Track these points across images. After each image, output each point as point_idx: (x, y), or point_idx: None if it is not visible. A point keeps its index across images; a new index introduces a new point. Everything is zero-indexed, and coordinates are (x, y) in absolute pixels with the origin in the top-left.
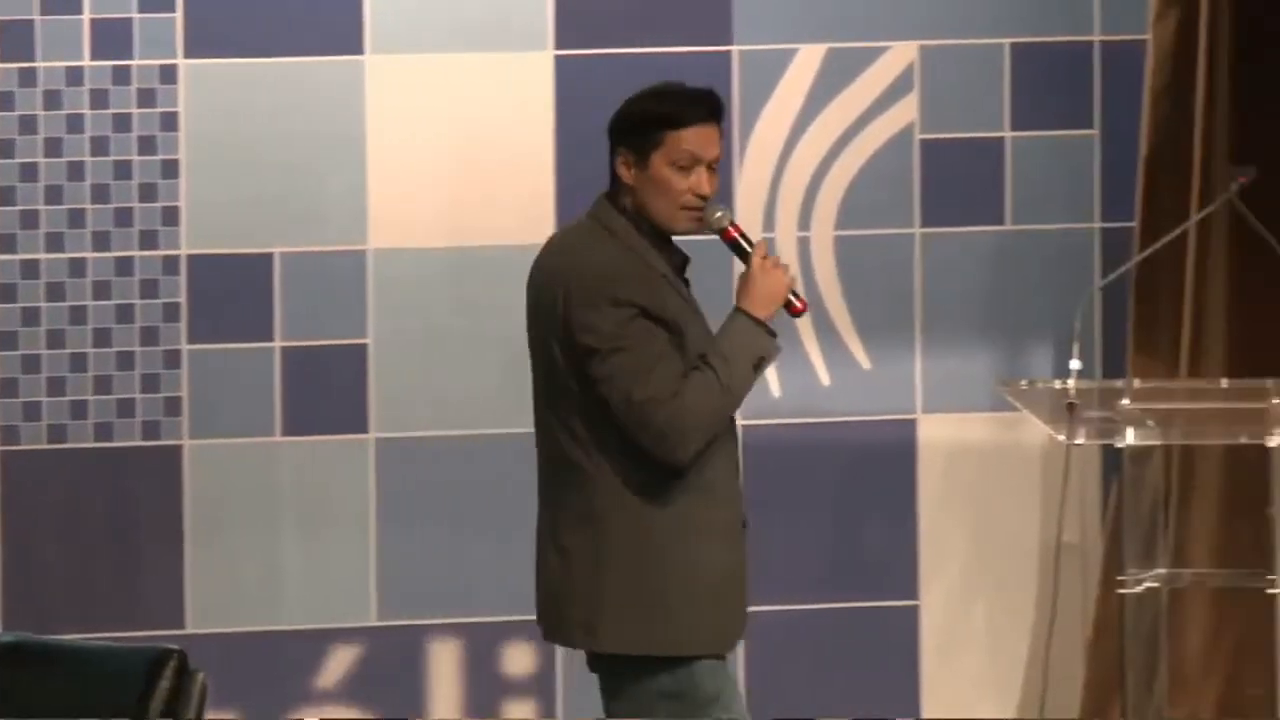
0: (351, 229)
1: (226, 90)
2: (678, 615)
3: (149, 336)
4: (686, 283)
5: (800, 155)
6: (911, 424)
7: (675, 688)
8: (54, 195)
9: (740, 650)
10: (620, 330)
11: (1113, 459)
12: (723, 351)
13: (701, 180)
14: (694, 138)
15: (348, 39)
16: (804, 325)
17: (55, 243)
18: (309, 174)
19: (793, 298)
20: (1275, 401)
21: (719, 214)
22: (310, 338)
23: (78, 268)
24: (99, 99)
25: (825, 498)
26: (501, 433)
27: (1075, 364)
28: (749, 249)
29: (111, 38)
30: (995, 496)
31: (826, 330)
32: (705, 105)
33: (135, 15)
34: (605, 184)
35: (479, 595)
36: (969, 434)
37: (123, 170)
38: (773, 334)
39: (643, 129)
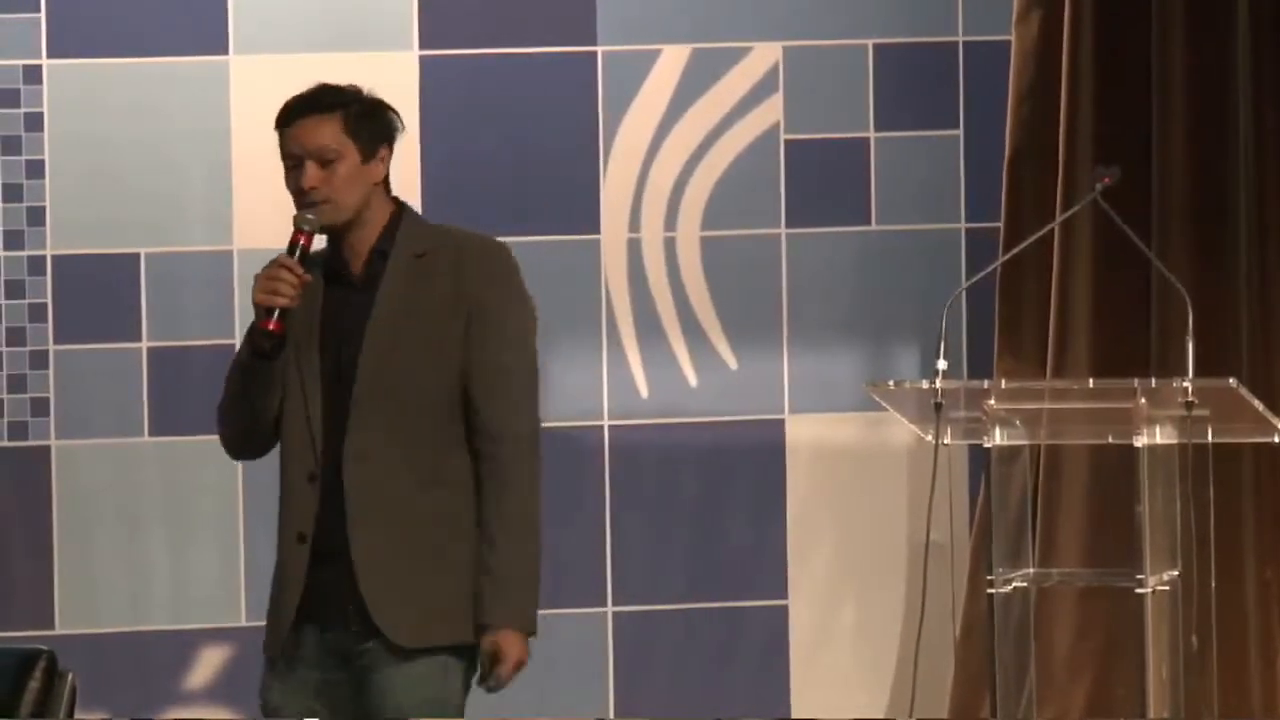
0: (217, 229)
1: (91, 90)
2: None
3: (15, 337)
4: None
5: (665, 156)
6: (779, 424)
7: None
8: None
9: (609, 651)
10: None
11: (980, 459)
12: None
13: (299, 175)
14: (288, 136)
15: (212, 39)
16: (670, 325)
17: None
18: (174, 175)
19: (269, 314)
20: (1141, 401)
21: (308, 217)
22: (176, 338)
23: None
24: None
25: (693, 498)
26: None
27: (941, 364)
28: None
29: None
30: (863, 496)
31: (693, 331)
32: (300, 102)
33: None
34: (470, 183)
35: None
36: (836, 434)
37: None
38: (256, 340)
39: None
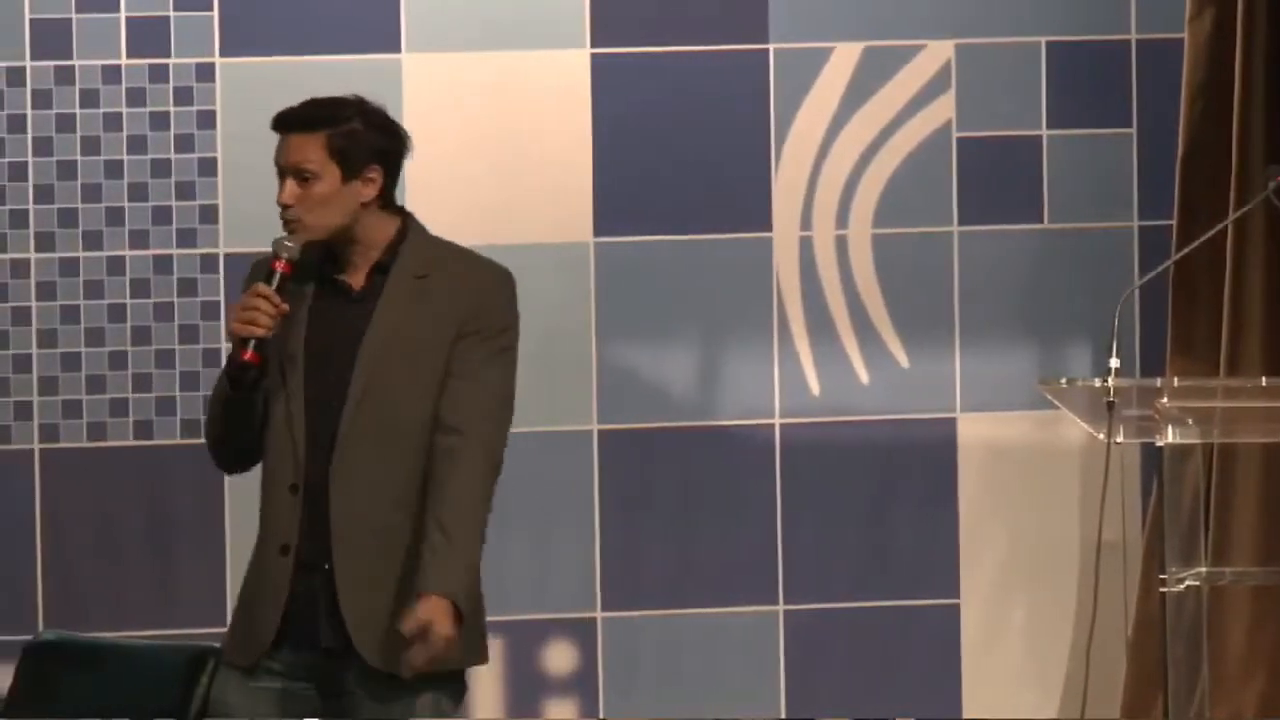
0: None
1: (263, 88)
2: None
3: (188, 334)
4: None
5: (837, 154)
6: (951, 422)
7: None
8: (92, 193)
9: (780, 649)
10: None
11: (1152, 457)
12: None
13: (282, 190)
14: (278, 147)
15: (385, 37)
16: (842, 323)
17: (93, 241)
18: None
19: (245, 344)
20: None
21: (286, 244)
22: None
23: (116, 266)
24: (136, 97)
25: (865, 496)
26: (537, 430)
27: (1114, 362)
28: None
29: (148, 36)
30: (1035, 495)
31: (865, 329)
32: (288, 116)
33: (171, 13)
34: (641, 181)
35: (518, 594)
36: (1008, 432)
37: (160, 168)
38: (232, 368)
39: None
